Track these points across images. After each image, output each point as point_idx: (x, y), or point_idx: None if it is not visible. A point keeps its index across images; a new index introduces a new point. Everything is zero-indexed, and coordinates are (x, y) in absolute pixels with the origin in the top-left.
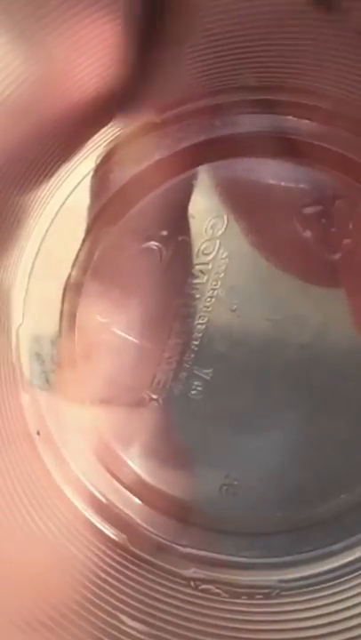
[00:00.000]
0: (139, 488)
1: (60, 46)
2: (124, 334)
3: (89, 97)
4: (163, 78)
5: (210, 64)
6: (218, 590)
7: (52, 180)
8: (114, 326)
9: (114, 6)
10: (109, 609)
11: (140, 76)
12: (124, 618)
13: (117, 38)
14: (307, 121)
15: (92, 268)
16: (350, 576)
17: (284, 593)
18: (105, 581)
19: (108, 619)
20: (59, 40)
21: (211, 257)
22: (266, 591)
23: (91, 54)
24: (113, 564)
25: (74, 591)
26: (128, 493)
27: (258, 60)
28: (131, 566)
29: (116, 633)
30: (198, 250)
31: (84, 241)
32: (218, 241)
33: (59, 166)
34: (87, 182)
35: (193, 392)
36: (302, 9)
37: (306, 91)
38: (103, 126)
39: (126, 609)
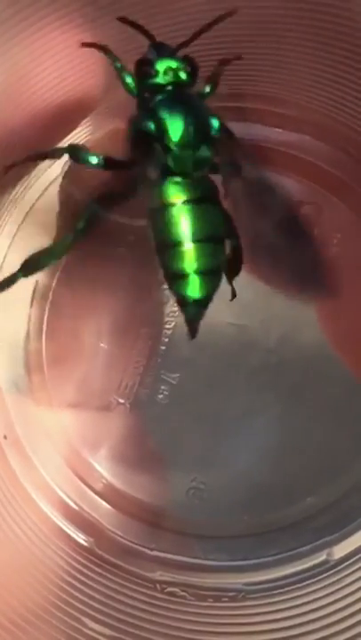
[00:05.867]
0: (106, 492)
1: (18, 55)
2: (91, 339)
3: (51, 105)
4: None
5: None
6: (184, 593)
7: (19, 185)
8: (81, 331)
9: (71, 16)
10: (74, 612)
11: (105, 83)
12: (87, 621)
13: (79, 48)
14: (274, 128)
15: (60, 273)
16: (316, 579)
17: (249, 596)
18: (70, 585)
19: (72, 622)
20: (17, 49)
21: None
22: (232, 594)
23: (50, 63)
24: (79, 567)
25: (38, 595)
26: (96, 497)
27: (227, 67)
28: (97, 569)
29: (79, 636)
30: None
31: None
32: None
33: (25, 172)
34: (54, 188)
35: (160, 396)
36: (268, 19)
37: (273, 98)
38: (67, 134)
39: (91, 612)
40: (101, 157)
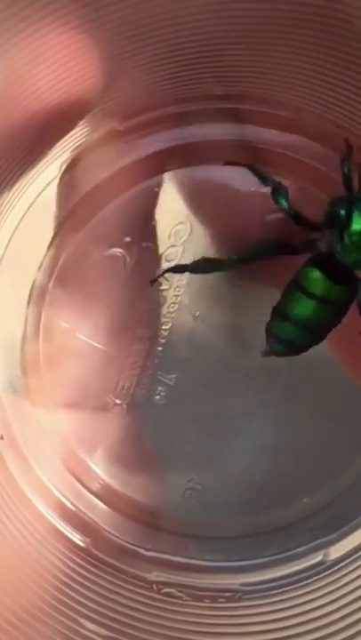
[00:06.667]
0: (103, 492)
1: (16, 56)
2: (88, 340)
3: (47, 107)
4: (126, 86)
5: (174, 72)
6: (180, 594)
7: (16, 186)
8: (78, 332)
9: (69, 17)
10: (70, 612)
11: (102, 84)
12: (83, 621)
13: (76, 49)
14: (270, 129)
15: (57, 274)
16: (312, 579)
17: (246, 596)
18: (67, 585)
19: (69, 622)
20: (14, 50)
21: (174, 263)
22: (228, 594)
23: (48, 64)
24: (76, 567)
25: (35, 595)
26: (93, 498)
27: (223, 68)
28: (94, 570)
29: (75, 637)
30: (162, 256)
31: (48, 247)
32: (181, 247)
33: (22, 173)
34: (52, 189)
35: (157, 397)
36: (263, 20)
37: (268, 99)
38: (65, 134)
39: (87, 612)
40: (293, 211)
